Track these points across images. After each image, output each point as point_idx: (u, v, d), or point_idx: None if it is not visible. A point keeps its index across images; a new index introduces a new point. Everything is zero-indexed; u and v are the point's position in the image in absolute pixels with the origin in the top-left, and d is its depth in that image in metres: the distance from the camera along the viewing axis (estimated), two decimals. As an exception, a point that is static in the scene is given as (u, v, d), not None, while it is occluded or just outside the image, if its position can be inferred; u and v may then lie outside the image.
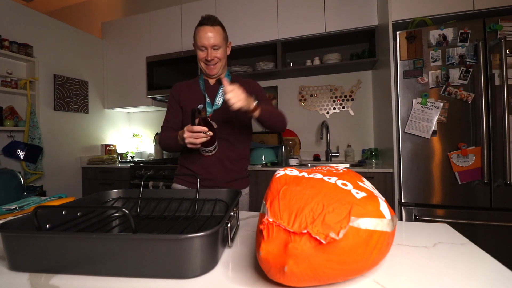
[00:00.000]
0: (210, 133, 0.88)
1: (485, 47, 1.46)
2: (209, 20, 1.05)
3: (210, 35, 1.04)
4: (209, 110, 1.10)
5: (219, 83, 1.14)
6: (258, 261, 0.40)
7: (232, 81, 1.17)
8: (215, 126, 1.05)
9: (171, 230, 0.61)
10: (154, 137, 3.00)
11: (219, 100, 1.11)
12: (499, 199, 1.45)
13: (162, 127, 1.21)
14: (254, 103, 0.92)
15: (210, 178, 1.09)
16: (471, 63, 1.49)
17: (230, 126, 1.11)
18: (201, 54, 1.08)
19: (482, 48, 1.45)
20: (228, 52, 1.15)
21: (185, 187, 1.12)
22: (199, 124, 0.87)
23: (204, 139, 0.89)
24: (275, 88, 2.63)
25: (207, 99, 1.12)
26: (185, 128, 0.91)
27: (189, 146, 0.92)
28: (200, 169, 1.10)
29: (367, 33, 2.10)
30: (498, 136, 1.45)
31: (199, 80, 1.19)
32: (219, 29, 1.07)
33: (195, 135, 0.88)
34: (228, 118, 1.10)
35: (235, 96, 0.84)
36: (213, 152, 1.05)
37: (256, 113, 0.94)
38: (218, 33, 1.06)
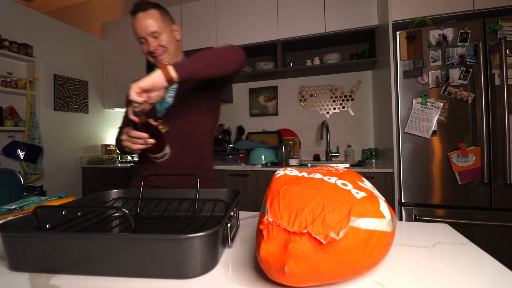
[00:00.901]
0: (151, 141, 0.77)
1: (485, 47, 1.46)
2: (139, 6, 0.89)
3: (145, 23, 0.88)
4: (160, 109, 0.96)
5: None
6: (258, 261, 0.40)
7: None
8: (166, 129, 0.92)
9: (171, 230, 0.61)
10: (154, 137, 3.00)
11: (169, 97, 0.95)
12: (499, 199, 1.45)
13: (119, 127, 1.10)
14: (159, 69, 0.69)
15: (163, 186, 0.95)
16: (471, 63, 1.49)
17: (187, 124, 0.95)
18: (143, 48, 0.92)
19: (482, 48, 1.45)
20: (178, 36, 0.98)
21: None
22: (139, 129, 0.76)
23: (143, 146, 0.78)
24: (275, 88, 2.63)
25: None
26: (124, 130, 0.81)
27: (126, 149, 0.82)
28: (153, 176, 0.96)
29: (367, 33, 2.10)
30: (498, 136, 1.44)
31: None
32: (155, 12, 0.90)
33: (133, 140, 0.78)
34: (184, 115, 0.94)
35: (131, 90, 0.68)
36: (164, 158, 0.92)
37: (172, 74, 0.69)
38: (154, 17, 0.89)
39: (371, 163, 2.04)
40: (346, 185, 0.43)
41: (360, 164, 2.12)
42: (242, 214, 0.80)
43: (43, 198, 1.01)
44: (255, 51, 2.49)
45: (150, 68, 2.59)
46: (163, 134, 0.84)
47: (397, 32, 1.61)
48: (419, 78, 1.58)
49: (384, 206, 0.41)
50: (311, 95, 2.52)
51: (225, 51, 0.81)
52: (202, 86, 0.95)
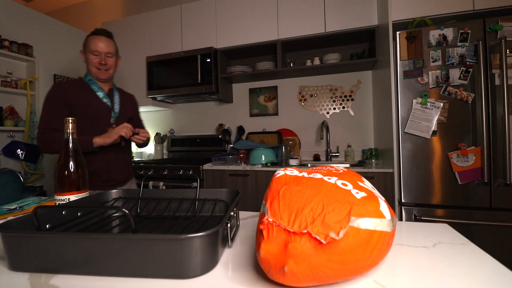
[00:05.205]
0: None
1: (485, 47, 1.46)
2: (104, 32, 1.38)
3: (106, 44, 1.35)
4: (113, 116, 1.31)
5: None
6: (258, 261, 0.40)
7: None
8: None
9: (171, 230, 0.61)
10: (154, 137, 3.00)
11: (116, 107, 1.33)
12: (499, 199, 1.45)
13: (44, 128, 1.14)
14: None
15: (111, 179, 1.29)
16: (471, 63, 1.49)
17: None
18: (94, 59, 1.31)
19: (482, 48, 1.45)
20: (119, 63, 1.42)
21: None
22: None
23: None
24: (275, 88, 2.63)
25: (109, 104, 1.31)
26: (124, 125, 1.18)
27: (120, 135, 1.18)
28: (102, 172, 1.26)
29: (367, 33, 2.10)
30: (498, 136, 1.44)
31: (91, 85, 1.30)
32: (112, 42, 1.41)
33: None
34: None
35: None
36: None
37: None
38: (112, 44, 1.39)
39: (371, 163, 2.04)
40: (346, 185, 0.43)
41: (360, 164, 2.12)
42: (242, 214, 0.80)
43: (43, 198, 1.01)
44: (255, 51, 2.49)
45: (150, 68, 2.59)
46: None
47: (397, 32, 1.61)
48: (419, 78, 1.58)
49: (384, 206, 0.41)
50: (311, 95, 2.52)
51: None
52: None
